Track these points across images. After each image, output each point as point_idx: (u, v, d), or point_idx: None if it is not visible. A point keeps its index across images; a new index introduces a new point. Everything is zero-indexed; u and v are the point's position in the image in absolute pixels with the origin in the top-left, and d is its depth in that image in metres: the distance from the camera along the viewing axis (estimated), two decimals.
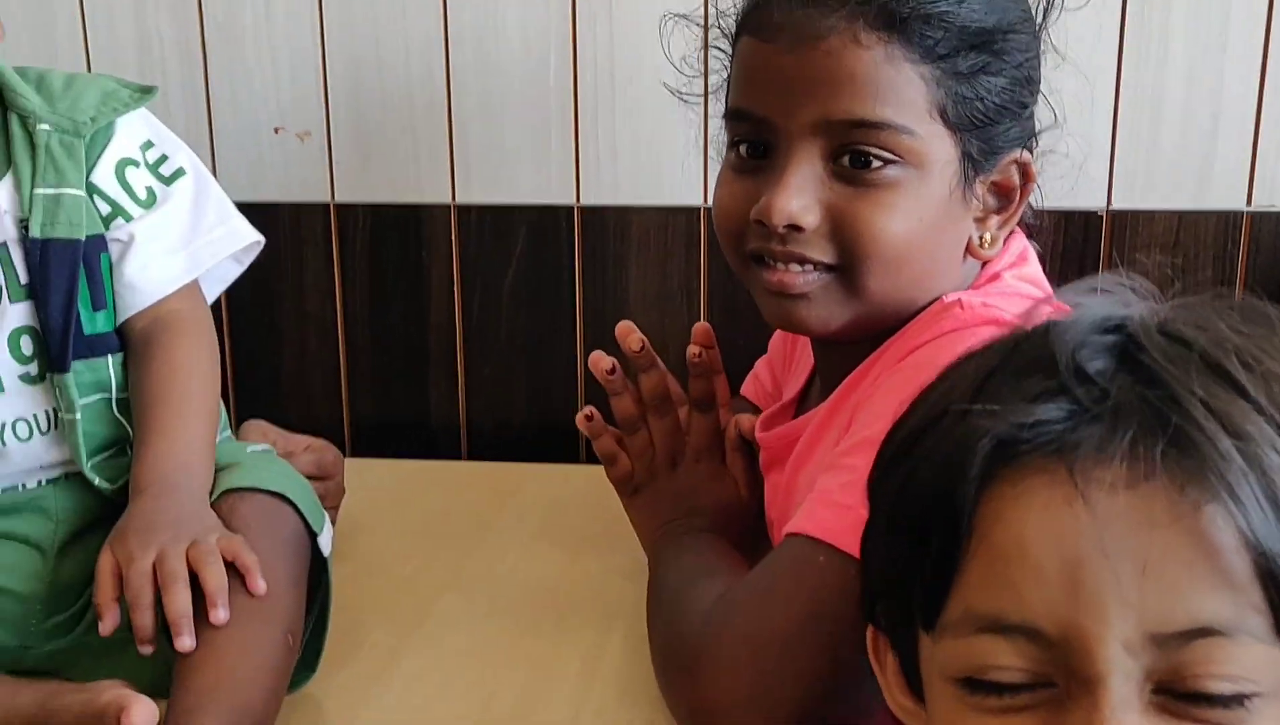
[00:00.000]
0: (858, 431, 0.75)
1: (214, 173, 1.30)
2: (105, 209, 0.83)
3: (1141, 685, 0.46)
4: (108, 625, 0.72)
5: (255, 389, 1.35)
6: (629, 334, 0.90)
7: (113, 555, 0.73)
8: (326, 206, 1.32)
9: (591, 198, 1.28)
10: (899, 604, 0.53)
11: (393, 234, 1.32)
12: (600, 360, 0.90)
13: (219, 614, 0.71)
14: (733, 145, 0.80)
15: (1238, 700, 0.45)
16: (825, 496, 0.73)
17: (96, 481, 0.81)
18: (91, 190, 0.82)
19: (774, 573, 0.74)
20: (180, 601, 0.70)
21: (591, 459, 1.29)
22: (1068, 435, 0.47)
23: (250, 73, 1.30)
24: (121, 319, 0.84)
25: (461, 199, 1.30)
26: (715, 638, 0.72)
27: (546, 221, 1.29)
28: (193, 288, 0.87)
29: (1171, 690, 0.46)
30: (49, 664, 0.80)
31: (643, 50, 1.23)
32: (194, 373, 0.83)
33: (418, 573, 1.01)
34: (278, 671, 0.74)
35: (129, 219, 0.83)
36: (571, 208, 1.28)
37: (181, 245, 0.85)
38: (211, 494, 0.79)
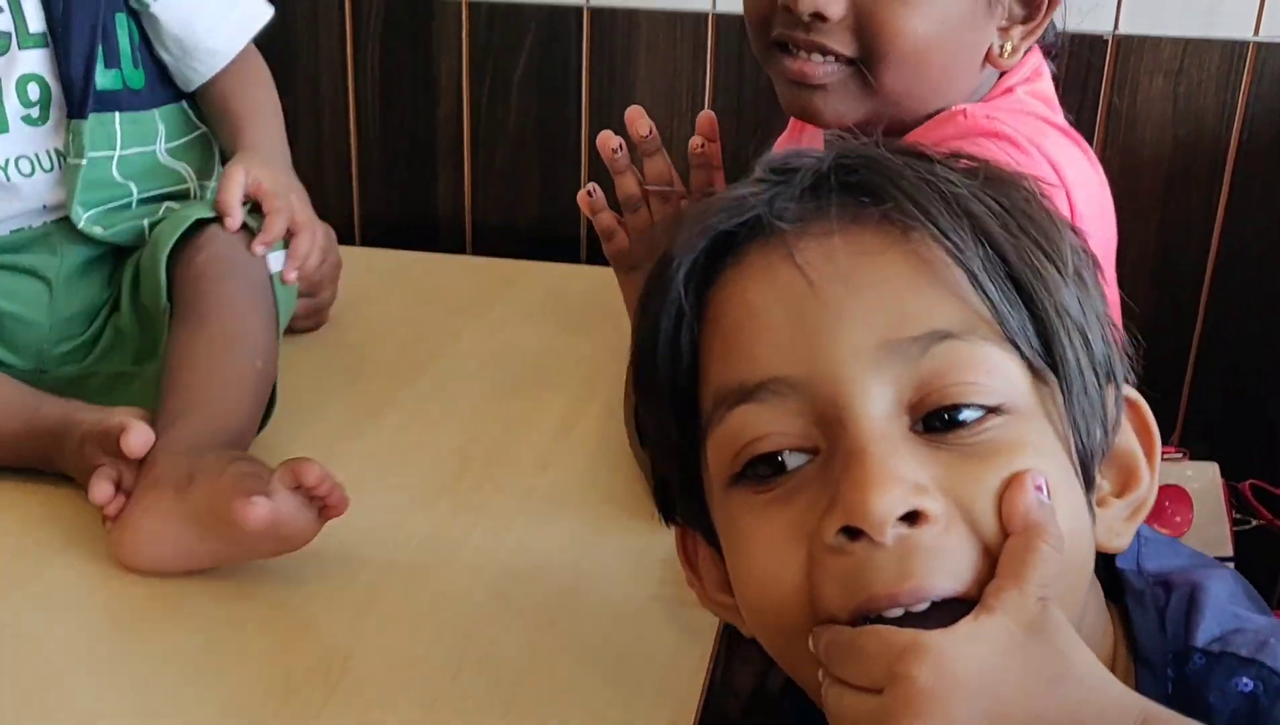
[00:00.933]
0: None
1: None
2: None
3: (897, 417, 0.47)
4: (235, 221, 0.85)
5: None
6: (638, 118, 0.91)
7: (243, 169, 0.85)
8: None
9: None
10: (681, 467, 0.53)
11: (405, 25, 1.33)
12: (608, 139, 0.91)
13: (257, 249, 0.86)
14: None
15: (994, 412, 0.47)
16: None
17: (82, 224, 0.86)
18: None
19: None
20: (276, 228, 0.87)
21: (593, 260, 1.33)
22: (776, 212, 0.49)
23: None
24: (201, 80, 0.92)
25: None
26: None
27: (556, 20, 1.30)
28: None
29: (927, 419, 0.47)
30: (66, 391, 0.85)
31: None
32: (275, 106, 0.95)
33: (415, 340, 1.06)
34: (253, 391, 0.81)
35: None
36: (581, 8, 1.29)
37: (233, 6, 0.91)
38: (185, 222, 0.85)
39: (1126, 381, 0.53)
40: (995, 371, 0.47)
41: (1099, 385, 0.50)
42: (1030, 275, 0.49)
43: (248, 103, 0.93)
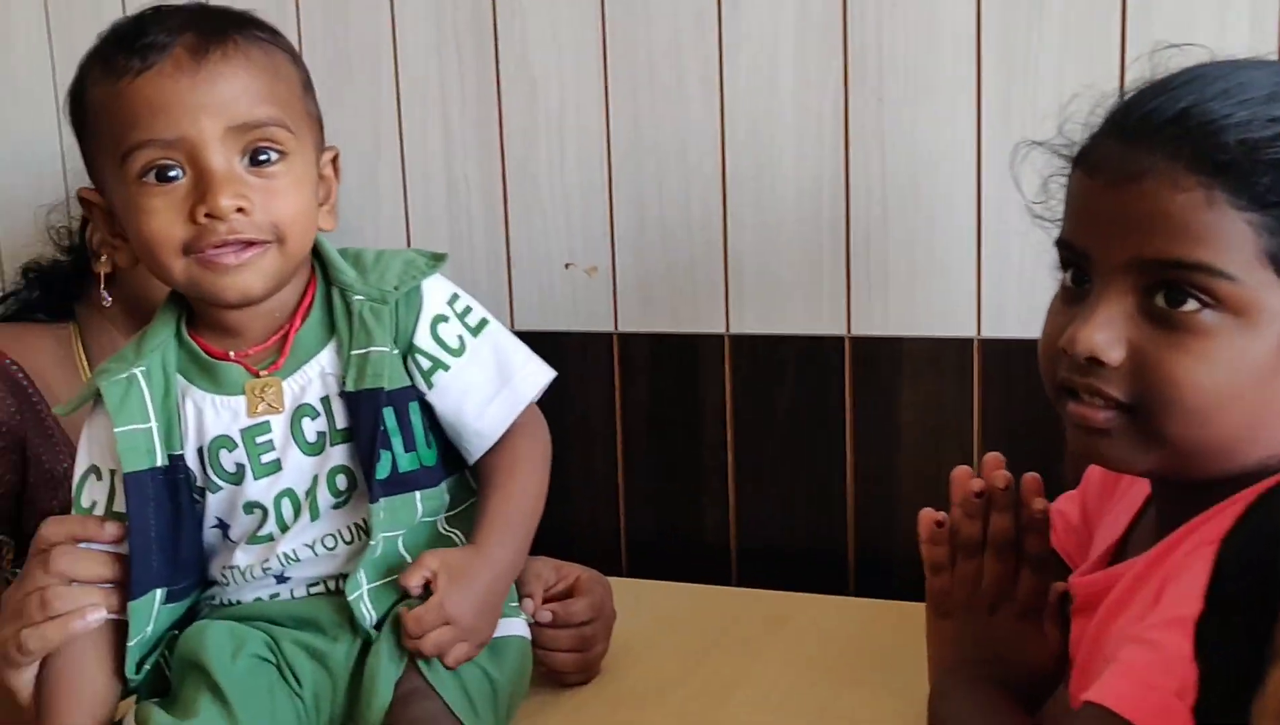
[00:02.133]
0: (1169, 608, 0.71)
1: (510, 304, 1.42)
2: (426, 364, 0.91)
3: None
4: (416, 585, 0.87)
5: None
6: (997, 467, 0.89)
7: (439, 566, 0.87)
8: (610, 335, 1.40)
9: (862, 328, 1.30)
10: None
11: (671, 361, 1.38)
12: (970, 479, 0.89)
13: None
14: (1063, 273, 0.80)
15: None
16: (1129, 671, 0.70)
17: (351, 598, 0.88)
18: (413, 350, 0.91)
19: None
20: (450, 658, 0.87)
21: (861, 592, 1.30)
22: None
23: (545, 212, 1.40)
24: (476, 458, 0.95)
25: (735, 329, 1.35)
26: None
27: (818, 350, 1.32)
28: (527, 411, 0.96)
29: None
30: None
31: (918, 179, 1.25)
32: (527, 497, 0.95)
33: (686, 701, 1.04)
34: None
35: (447, 369, 0.92)
36: (842, 337, 1.31)
37: (503, 384, 0.93)
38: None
39: None
40: None
41: None
42: None
43: (501, 489, 0.93)
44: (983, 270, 1.25)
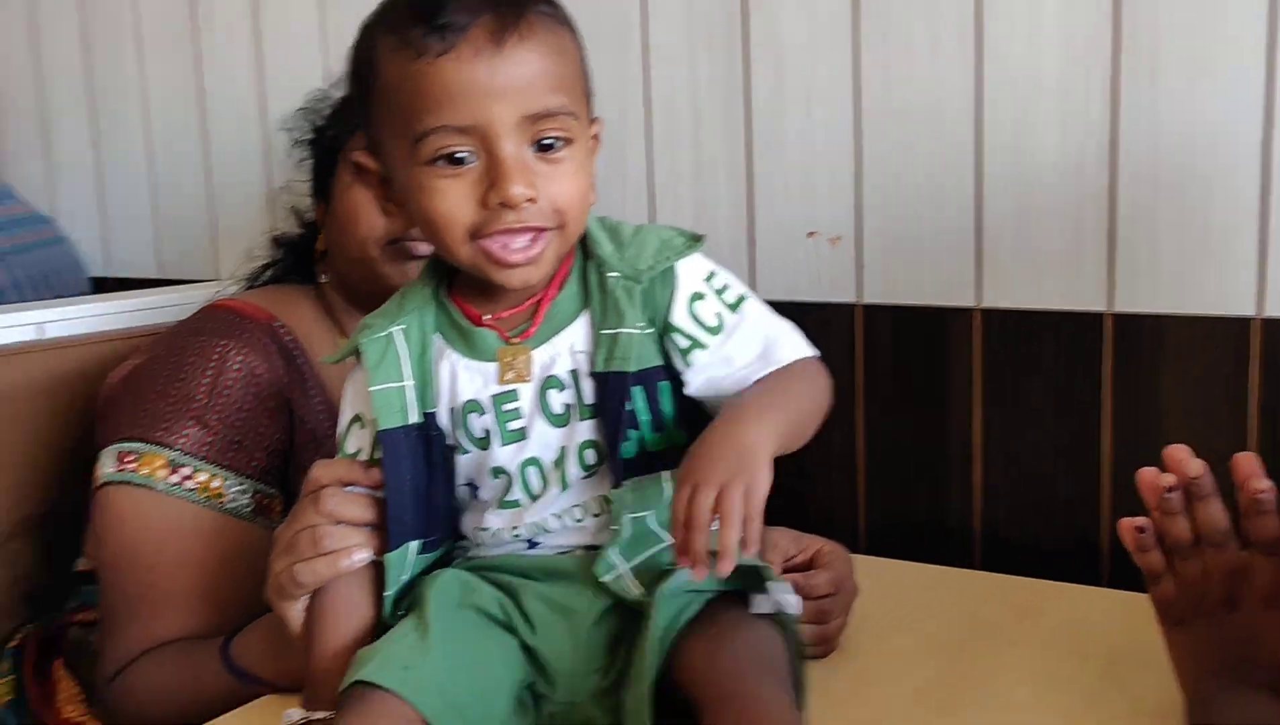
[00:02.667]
0: None
1: (753, 274, 1.40)
2: (684, 343, 0.89)
3: None
4: (702, 572, 0.79)
5: (778, 480, 1.41)
6: (1186, 458, 0.83)
7: (686, 488, 0.80)
8: (853, 307, 1.36)
9: (1126, 305, 1.22)
10: None
11: (916, 334, 1.34)
12: (1156, 479, 0.84)
13: (724, 565, 0.77)
14: None
15: None
16: None
17: (606, 578, 0.86)
18: (670, 330, 0.89)
19: None
20: (729, 538, 0.78)
21: (1116, 583, 1.23)
22: None
23: (790, 182, 1.38)
24: None
25: (987, 302, 1.29)
26: None
27: (1075, 327, 1.25)
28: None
29: None
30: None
31: (1194, 146, 1.17)
32: (795, 393, 0.88)
33: (929, 683, 1.00)
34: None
35: (705, 347, 0.89)
36: (1102, 314, 1.23)
37: (763, 362, 0.89)
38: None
39: None
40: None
41: None
42: None
43: (764, 382, 0.88)
44: (1269, 246, 1.15)
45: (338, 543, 0.89)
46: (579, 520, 0.90)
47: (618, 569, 0.87)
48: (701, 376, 0.89)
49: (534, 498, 0.90)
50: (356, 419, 0.93)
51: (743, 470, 0.79)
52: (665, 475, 0.89)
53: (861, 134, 1.33)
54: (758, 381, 0.88)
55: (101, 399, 1.26)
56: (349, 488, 0.92)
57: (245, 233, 1.61)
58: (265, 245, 1.41)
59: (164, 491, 1.13)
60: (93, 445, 1.20)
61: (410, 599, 0.90)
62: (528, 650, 0.88)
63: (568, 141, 0.85)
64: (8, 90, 2.01)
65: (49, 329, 1.44)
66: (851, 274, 1.36)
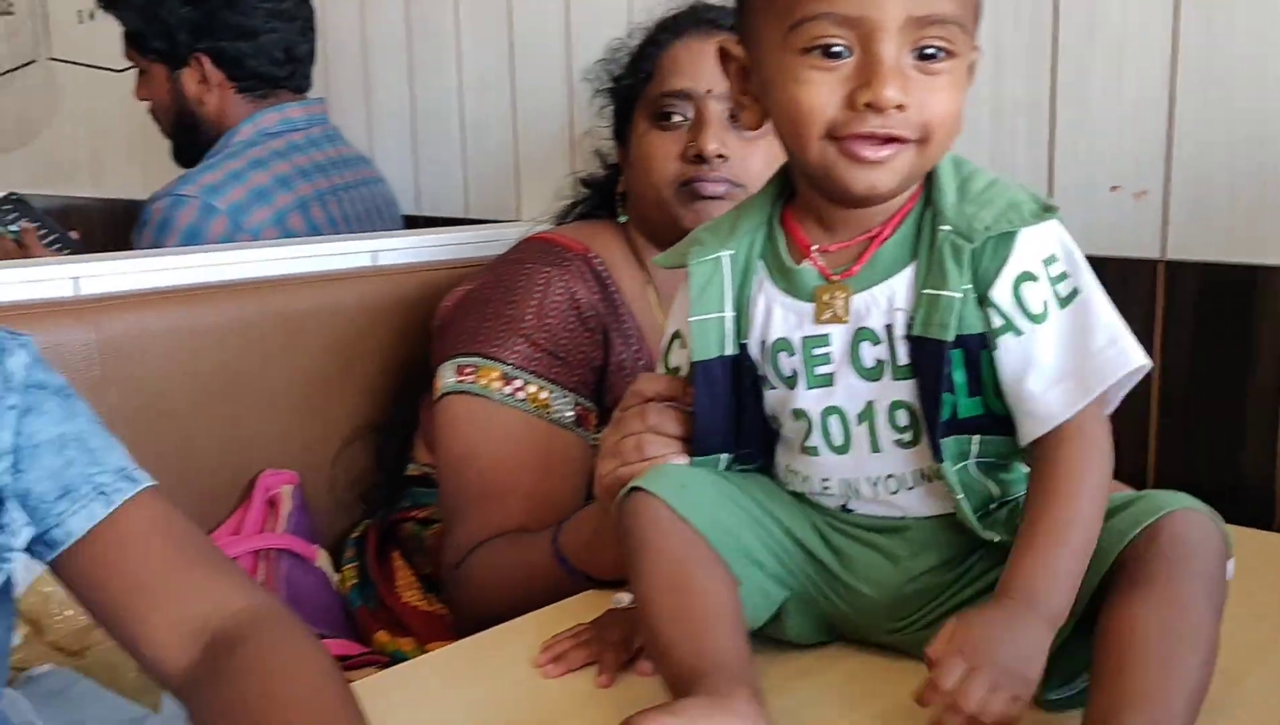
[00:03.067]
0: None
1: None
2: (997, 322, 0.83)
3: None
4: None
5: None
6: None
7: (950, 646, 0.75)
8: (1155, 263, 1.34)
9: None
10: None
11: (1223, 292, 1.30)
12: None
13: None
14: None
15: None
16: None
17: (982, 531, 0.86)
18: (989, 303, 0.83)
19: None
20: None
21: None
22: None
23: (1094, 132, 1.36)
24: (1028, 440, 0.84)
25: None
26: None
27: None
28: (1094, 410, 0.83)
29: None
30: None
31: None
32: (1079, 530, 0.80)
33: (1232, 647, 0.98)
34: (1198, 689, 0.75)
35: (1019, 334, 0.83)
36: None
37: (1071, 371, 0.83)
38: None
39: None
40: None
41: None
42: None
43: (1051, 516, 0.80)
44: None
45: (659, 450, 0.95)
46: (894, 492, 0.89)
47: (970, 518, 0.87)
48: (1006, 363, 0.84)
49: (833, 448, 0.89)
50: (678, 336, 0.97)
51: (1016, 681, 0.74)
52: (975, 438, 0.87)
53: (1176, 81, 1.30)
54: (1056, 513, 0.80)
55: (438, 320, 1.39)
56: (667, 404, 0.97)
57: (546, 178, 1.70)
58: (572, 186, 1.50)
59: (499, 401, 1.24)
60: (419, 363, 1.33)
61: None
62: (827, 573, 0.92)
63: (950, 55, 0.81)
64: (337, 40, 2.18)
65: (381, 257, 1.58)
66: (1156, 229, 1.33)
